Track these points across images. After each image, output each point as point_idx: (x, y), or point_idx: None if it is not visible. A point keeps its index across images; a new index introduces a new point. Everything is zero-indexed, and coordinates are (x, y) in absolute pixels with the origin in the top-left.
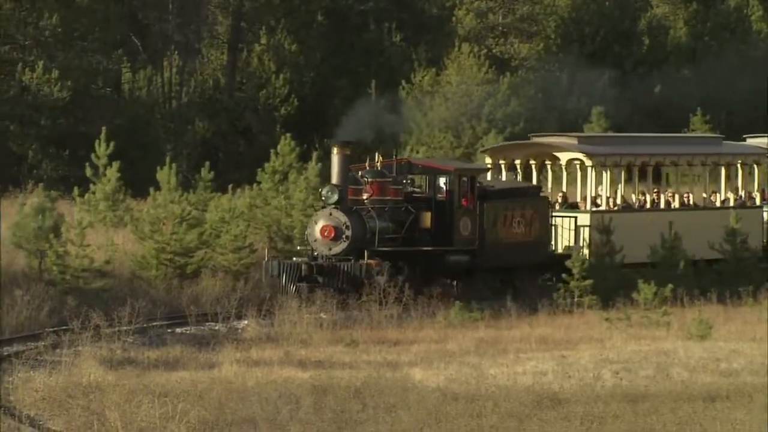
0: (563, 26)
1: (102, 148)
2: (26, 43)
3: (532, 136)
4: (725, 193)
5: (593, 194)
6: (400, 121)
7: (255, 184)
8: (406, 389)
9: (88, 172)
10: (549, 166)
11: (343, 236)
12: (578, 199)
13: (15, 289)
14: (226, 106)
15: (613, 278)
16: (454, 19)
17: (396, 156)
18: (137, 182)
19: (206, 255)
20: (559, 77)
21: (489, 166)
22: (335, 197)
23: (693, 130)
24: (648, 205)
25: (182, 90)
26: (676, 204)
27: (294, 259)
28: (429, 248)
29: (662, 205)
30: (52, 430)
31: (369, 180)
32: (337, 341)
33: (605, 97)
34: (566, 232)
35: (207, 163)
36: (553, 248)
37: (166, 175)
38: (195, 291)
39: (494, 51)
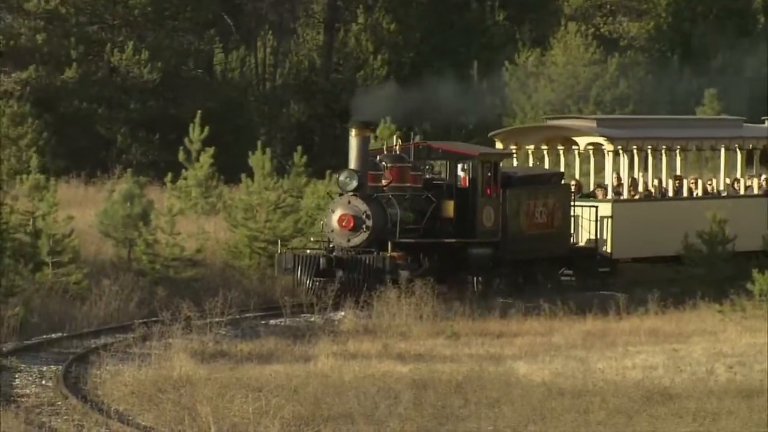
0: (674, 4)
1: (196, 132)
2: (115, 23)
3: (547, 118)
4: (747, 179)
5: (615, 181)
6: (503, 103)
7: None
8: (509, 384)
9: (181, 156)
10: (562, 151)
11: (363, 226)
12: (593, 187)
13: (103, 279)
14: (322, 88)
15: (726, 268)
16: None
17: (413, 138)
18: (229, 167)
19: (301, 243)
20: (670, 58)
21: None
22: (354, 183)
23: None
24: (670, 193)
25: (276, 72)
26: (699, 192)
27: (308, 251)
28: (454, 240)
29: (684, 193)
30: (141, 426)
31: (388, 165)
32: (437, 334)
33: (718, 79)
34: (586, 222)
35: (299, 148)
36: (574, 241)
37: (259, 160)
38: (289, 281)
39: (602, 30)
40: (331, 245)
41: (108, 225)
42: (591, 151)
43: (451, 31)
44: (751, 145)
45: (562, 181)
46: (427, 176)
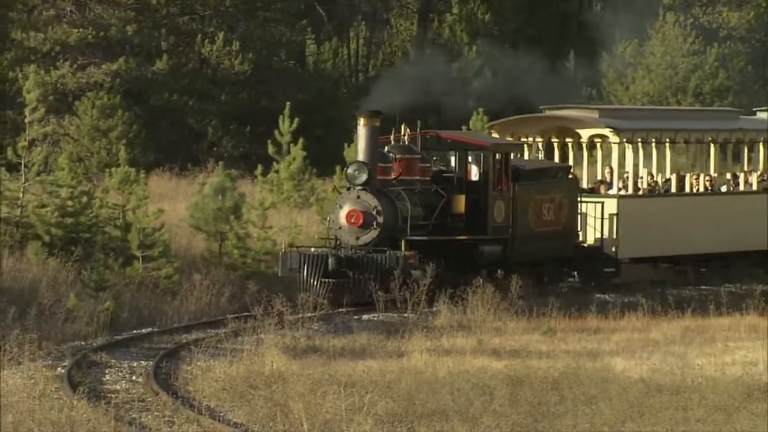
0: None
1: (286, 125)
2: (206, 13)
3: (545, 108)
4: (747, 174)
5: (607, 176)
6: (599, 94)
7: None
8: (606, 380)
9: (271, 149)
10: (557, 144)
11: (374, 223)
12: (587, 181)
13: (194, 274)
14: (417, 78)
15: None
16: None
17: (420, 127)
18: (321, 160)
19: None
20: None
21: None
22: (364, 177)
23: None
24: (673, 188)
25: (369, 63)
26: (700, 187)
27: (312, 249)
28: (465, 237)
29: (687, 189)
30: (233, 422)
31: (397, 157)
32: (533, 329)
33: None
34: (591, 219)
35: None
36: (581, 239)
37: (353, 152)
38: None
39: (701, 20)
40: (338, 243)
41: (199, 218)
42: (585, 144)
43: (548, 21)
44: (749, 138)
45: (570, 175)
46: (435, 168)
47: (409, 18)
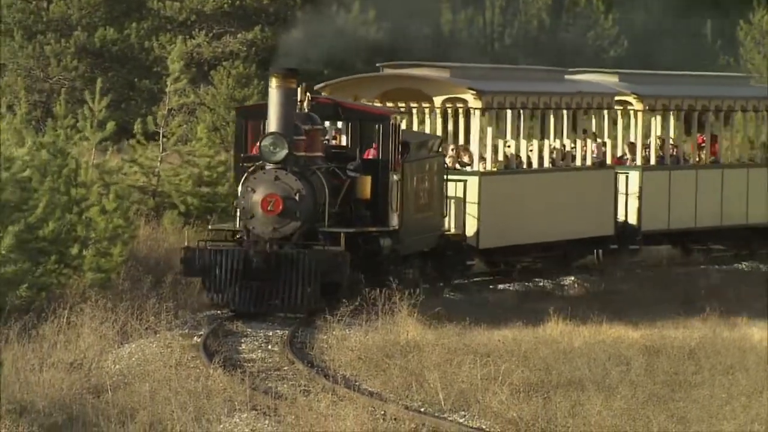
0: None
1: None
2: None
3: (384, 66)
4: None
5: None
6: (737, 63)
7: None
8: (744, 350)
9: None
10: (416, 110)
11: (297, 211)
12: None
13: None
14: (552, 48)
15: None
16: None
17: (309, 91)
18: None
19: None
20: None
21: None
22: (283, 153)
23: None
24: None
25: (505, 31)
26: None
27: (208, 243)
28: (375, 229)
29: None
30: (368, 392)
31: (302, 128)
32: (669, 299)
33: None
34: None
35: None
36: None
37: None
38: None
39: None
40: (249, 236)
41: None
42: (440, 111)
43: None
44: (576, 103)
45: (440, 148)
46: (331, 143)
47: None
